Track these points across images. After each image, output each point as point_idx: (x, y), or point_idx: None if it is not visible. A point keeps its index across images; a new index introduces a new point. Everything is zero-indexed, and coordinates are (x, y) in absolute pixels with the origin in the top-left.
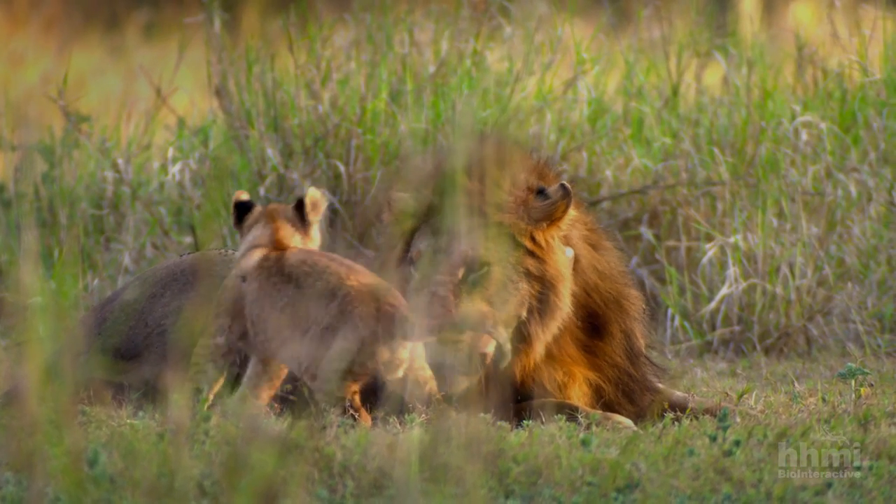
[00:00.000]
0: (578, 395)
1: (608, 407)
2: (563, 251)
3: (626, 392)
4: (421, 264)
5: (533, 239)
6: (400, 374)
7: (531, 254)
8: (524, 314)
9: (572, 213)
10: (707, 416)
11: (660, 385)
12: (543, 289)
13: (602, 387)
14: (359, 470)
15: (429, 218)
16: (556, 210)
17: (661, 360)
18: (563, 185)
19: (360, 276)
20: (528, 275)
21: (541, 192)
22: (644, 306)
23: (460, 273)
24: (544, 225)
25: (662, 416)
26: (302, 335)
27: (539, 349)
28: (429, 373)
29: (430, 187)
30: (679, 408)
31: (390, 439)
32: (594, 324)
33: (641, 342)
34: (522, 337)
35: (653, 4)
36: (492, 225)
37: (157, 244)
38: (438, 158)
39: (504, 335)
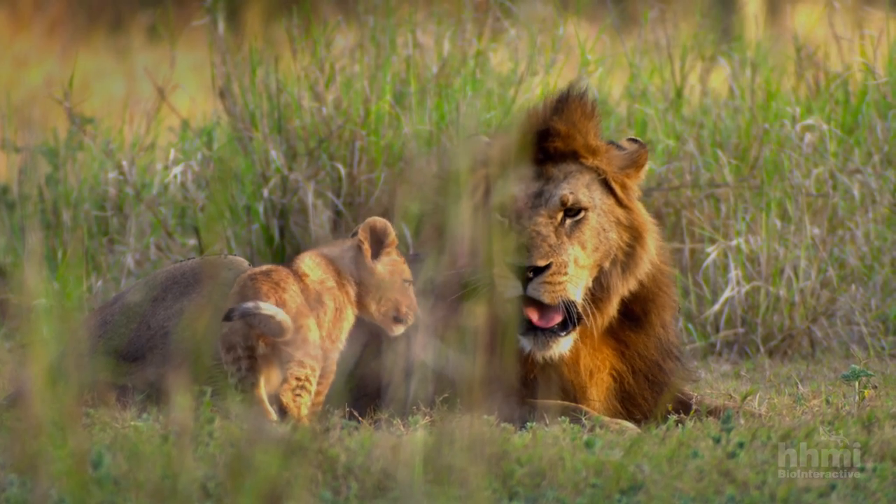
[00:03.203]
0: (601, 385)
1: (630, 399)
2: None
3: (652, 385)
4: (516, 209)
5: (624, 186)
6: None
7: (620, 203)
8: (607, 265)
9: (648, 165)
10: (711, 418)
11: (686, 388)
12: (631, 240)
13: (625, 379)
14: (362, 472)
15: (513, 164)
16: (639, 157)
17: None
18: (632, 138)
19: (257, 268)
20: (619, 224)
21: (612, 145)
22: (679, 304)
23: (559, 217)
24: (631, 172)
25: (667, 418)
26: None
27: (615, 303)
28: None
29: (511, 135)
30: (694, 405)
31: (394, 441)
32: (632, 311)
33: (674, 339)
34: (602, 287)
35: (658, 7)
36: (587, 169)
37: (161, 246)
38: (526, 109)
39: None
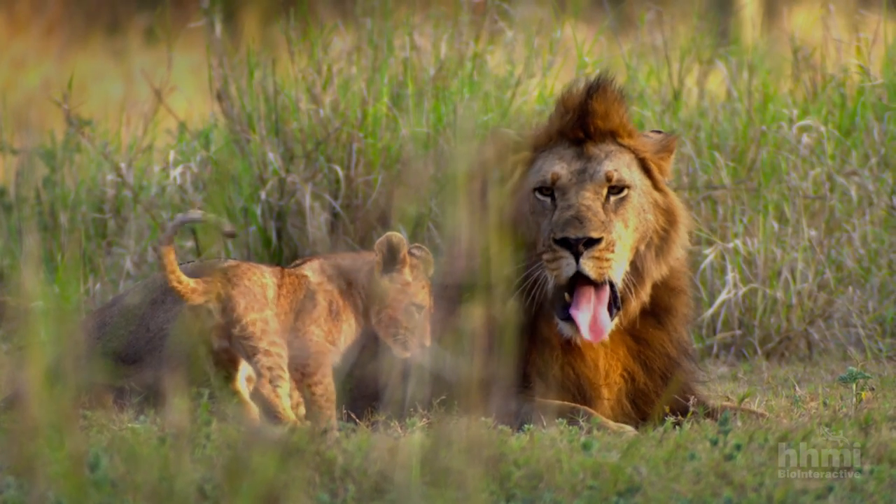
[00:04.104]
0: (612, 386)
1: (643, 397)
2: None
3: (668, 383)
4: (560, 185)
5: (660, 169)
6: (219, 343)
7: (656, 186)
8: (642, 248)
9: (676, 152)
10: (709, 420)
11: (698, 389)
12: (666, 224)
13: (638, 378)
14: (360, 474)
15: (549, 146)
16: (670, 143)
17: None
18: (657, 130)
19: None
20: (656, 206)
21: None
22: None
23: (604, 192)
24: (664, 156)
25: (664, 420)
26: None
27: (648, 289)
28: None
29: (548, 117)
30: (692, 408)
31: (391, 443)
32: (659, 304)
33: (689, 338)
34: (636, 271)
35: (654, 9)
36: (625, 149)
37: None
38: (560, 93)
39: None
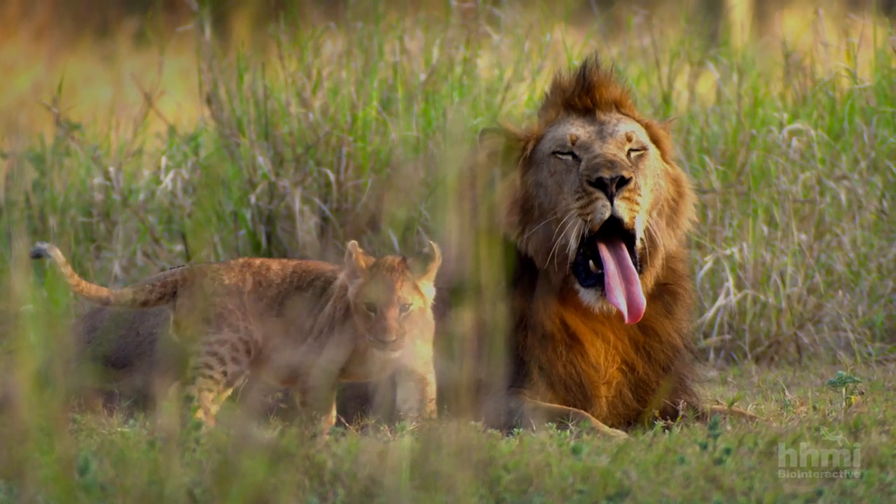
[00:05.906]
0: (612, 380)
1: (644, 385)
2: None
3: (667, 374)
4: (582, 143)
5: (667, 140)
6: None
7: (664, 157)
8: (654, 214)
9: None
10: (698, 424)
11: (696, 387)
12: (676, 194)
13: (638, 368)
14: (349, 478)
15: (557, 119)
16: (667, 124)
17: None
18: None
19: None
20: (667, 175)
21: None
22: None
23: (625, 148)
24: (667, 133)
25: (653, 424)
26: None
27: (661, 260)
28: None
29: (551, 96)
30: (681, 412)
31: (381, 447)
32: (662, 291)
33: (690, 330)
34: (650, 240)
35: (642, 13)
36: (632, 119)
37: (148, 252)
38: (553, 76)
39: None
